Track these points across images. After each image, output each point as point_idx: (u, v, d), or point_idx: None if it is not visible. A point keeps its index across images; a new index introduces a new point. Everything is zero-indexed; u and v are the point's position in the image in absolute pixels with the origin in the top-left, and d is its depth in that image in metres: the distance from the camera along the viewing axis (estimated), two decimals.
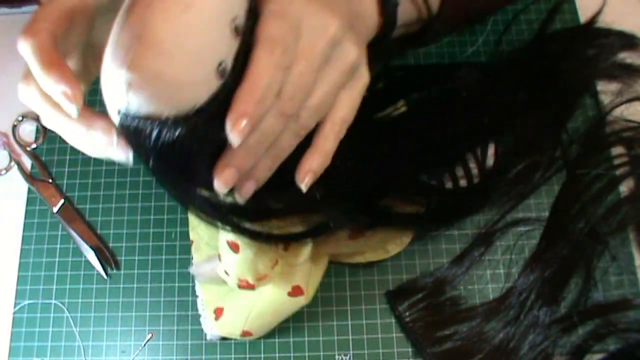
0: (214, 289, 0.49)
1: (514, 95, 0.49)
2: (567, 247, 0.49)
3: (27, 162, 0.57)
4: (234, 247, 0.42)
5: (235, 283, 0.43)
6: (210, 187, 0.32)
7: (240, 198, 0.33)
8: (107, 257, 0.52)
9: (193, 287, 0.51)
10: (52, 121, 0.31)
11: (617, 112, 0.54)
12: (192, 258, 0.51)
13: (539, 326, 0.46)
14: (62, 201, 0.54)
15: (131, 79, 0.25)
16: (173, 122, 0.27)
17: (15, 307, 0.51)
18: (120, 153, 0.30)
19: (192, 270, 0.49)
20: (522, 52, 0.54)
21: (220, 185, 0.31)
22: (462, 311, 0.48)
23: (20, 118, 0.57)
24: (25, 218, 0.54)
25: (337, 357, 0.48)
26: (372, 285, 0.50)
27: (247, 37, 0.28)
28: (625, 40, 0.56)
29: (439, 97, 0.50)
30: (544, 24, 0.54)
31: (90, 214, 0.54)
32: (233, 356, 0.49)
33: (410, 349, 0.48)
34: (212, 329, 0.48)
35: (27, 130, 0.58)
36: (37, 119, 0.58)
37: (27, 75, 0.31)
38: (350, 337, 0.49)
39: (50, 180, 0.55)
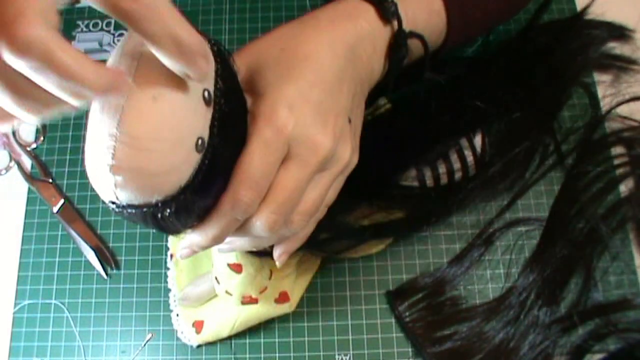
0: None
1: (502, 84, 0.49)
2: (567, 247, 0.48)
3: (27, 162, 0.57)
4: (236, 269, 0.42)
5: (239, 301, 0.44)
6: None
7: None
8: (107, 257, 0.52)
9: None
10: None
11: (617, 111, 0.54)
12: (167, 269, 0.51)
13: (539, 326, 0.46)
14: (62, 201, 0.54)
15: (115, 179, 0.26)
16: (162, 203, 0.27)
17: (15, 307, 0.51)
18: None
19: (180, 296, 0.48)
20: (511, 43, 0.54)
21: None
22: (462, 311, 0.48)
23: None
24: (25, 218, 0.54)
25: (337, 357, 0.48)
26: (372, 285, 0.50)
27: (219, 100, 0.29)
28: (615, 31, 0.56)
29: (424, 90, 0.49)
30: (535, 17, 0.54)
31: (90, 214, 0.54)
32: (233, 357, 0.49)
33: (410, 349, 0.48)
34: (194, 341, 0.48)
35: (27, 130, 0.58)
36: None
37: None
38: (350, 337, 0.49)
39: (50, 180, 0.55)
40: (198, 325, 0.48)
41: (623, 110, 0.54)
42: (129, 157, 0.25)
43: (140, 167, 0.25)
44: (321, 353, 0.49)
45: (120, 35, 0.61)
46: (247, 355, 0.49)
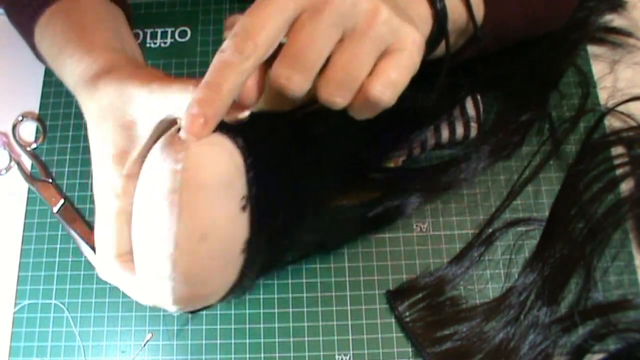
0: None
1: (501, 55, 0.48)
2: (567, 247, 0.49)
3: (27, 162, 0.57)
4: None
5: None
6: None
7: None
8: None
9: None
10: None
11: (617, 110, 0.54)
12: None
13: (539, 326, 0.46)
14: (62, 201, 0.54)
15: (177, 307, 0.29)
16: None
17: (15, 307, 0.51)
18: None
19: None
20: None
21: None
22: (462, 311, 0.48)
23: (20, 118, 0.57)
24: (25, 218, 0.54)
25: (337, 357, 0.48)
26: (372, 285, 0.50)
27: (256, 199, 0.29)
28: (611, 3, 0.57)
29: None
30: None
31: (90, 214, 0.54)
32: (233, 356, 0.49)
33: (410, 349, 0.48)
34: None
35: (27, 130, 0.58)
36: (37, 118, 0.58)
37: None
38: (350, 337, 0.49)
39: (50, 180, 0.55)
40: None
41: (623, 110, 0.54)
42: (186, 292, 0.28)
43: (197, 296, 0.29)
44: (321, 353, 0.49)
45: None
46: (247, 355, 0.49)
